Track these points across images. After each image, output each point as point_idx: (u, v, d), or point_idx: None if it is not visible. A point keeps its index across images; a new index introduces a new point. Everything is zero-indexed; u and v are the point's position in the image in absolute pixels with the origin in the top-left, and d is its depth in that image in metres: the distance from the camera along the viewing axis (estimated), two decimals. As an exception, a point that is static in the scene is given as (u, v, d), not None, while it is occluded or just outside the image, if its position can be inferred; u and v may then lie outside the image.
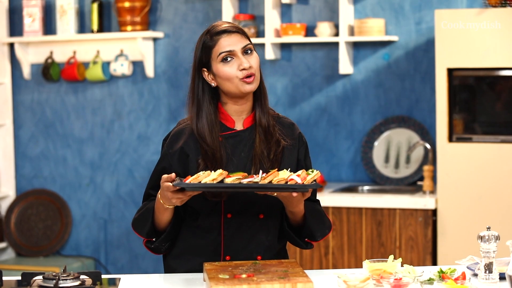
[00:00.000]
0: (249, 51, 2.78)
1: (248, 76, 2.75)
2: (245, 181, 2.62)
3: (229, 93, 2.79)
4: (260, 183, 2.62)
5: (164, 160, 2.83)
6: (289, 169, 2.73)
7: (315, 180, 2.76)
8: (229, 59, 2.76)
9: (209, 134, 2.78)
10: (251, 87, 2.77)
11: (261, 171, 2.67)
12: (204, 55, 2.81)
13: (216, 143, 2.78)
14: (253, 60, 2.78)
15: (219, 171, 2.63)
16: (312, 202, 2.88)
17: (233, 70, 2.75)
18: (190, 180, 2.61)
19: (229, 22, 2.82)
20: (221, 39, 2.77)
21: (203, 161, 2.76)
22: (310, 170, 2.69)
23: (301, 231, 2.85)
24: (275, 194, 2.67)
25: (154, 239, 2.84)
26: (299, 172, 2.65)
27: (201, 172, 2.64)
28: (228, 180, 2.62)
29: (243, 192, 2.77)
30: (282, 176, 2.64)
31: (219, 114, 2.83)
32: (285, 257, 2.93)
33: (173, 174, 2.63)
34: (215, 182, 2.60)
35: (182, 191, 2.62)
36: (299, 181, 2.61)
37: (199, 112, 2.80)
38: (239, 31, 2.79)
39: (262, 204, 2.81)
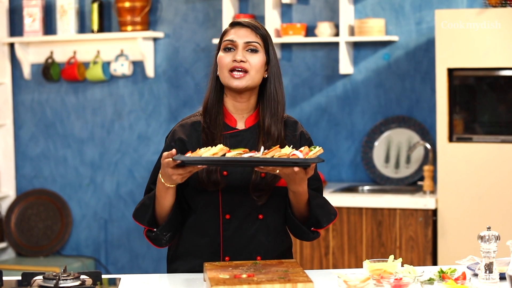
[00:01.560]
0: (254, 50, 2.78)
1: (237, 71, 2.75)
2: (246, 155, 2.60)
3: (223, 84, 2.80)
4: (261, 157, 2.59)
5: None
6: (291, 145, 2.72)
7: (319, 178, 2.76)
8: (231, 49, 2.78)
9: (214, 119, 2.79)
10: (237, 83, 2.76)
11: (262, 147, 2.66)
12: (220, 41, 2.84)
13: (218, 131, 2.78)
14: (253, 58, 2.77)
15: (220, 146, 2.61)
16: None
17: (227, 60, 2.77)
18: (190, 155, 2.60)
19: (253, 20, 2.84)
20: (232, 29, 2.81)
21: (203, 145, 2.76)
22: (313, 146, 2.68)
23: (306, 222, 2.83)
24: (277, 171, 2.62)
25: (155, 230, 2.82)
26: (302, 148, 2.63)
27: (202, 149, 2.63)
28: (229, 155, 2.60)
29: (241, 192, 2.76)
30: (284, 151, 2.61)
31: (223, 109, 2.83)
32: (289, 257, 2.92)
33: (174, 150, 2.60)
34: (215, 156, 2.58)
35: (183, 167, 2.60)
36: (301, 156, 2.58)
37: (211, 94, 2.82)
38: (252, 27, 2.79)
39: (262, 204, 2.80)
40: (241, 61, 2.75)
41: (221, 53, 2.79)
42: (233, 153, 2.59)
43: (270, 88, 2.81)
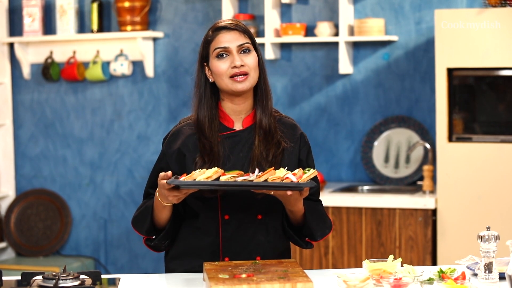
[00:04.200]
0: (246, 50, 2.79)
1: (239, 75, 2.76)
2: (240, 179, 2.62)
3: (223, 90, 2.81)
4: (255, 181, 2.61)
5: (162, 160, 2.84)
6: (286, 167, 2.73)
7: (316, 179, 2.76)
8: (224, 55, 2.78)
9: (209, 127, 2.80)
10: (242, 86, 2.77)
11: (257, 170, 2.68)
12: (204, 50, 2.83)
13: (215, 137, 2.79)
14: (249, 59, 2.78)
15: (215, 169, 2.63)
16: (314, 202, 2.88)
17: (224, 67, 2.77)
18: (184, 178, 2.61)
19: (233, 20, 2.83)
20: (219, 35, 2.79)
21: (200, 158, 2.77)
22: (307, 169, 2.69)
23: (301, 230, 2.85)
24: (272, 193, 2.66)
25: (153, 237, 2.84)
26: (296, 171, 2.65)
27: (197, 171, 2.65)
28: (223, 178, 2.62)
29: (240, 192, 2.77)
30: (278, 174, 2.63)
31: (219, 112, 2.84)
32: (288, 258, 2.93)
33: (170, 172, 2.63)
34: (209, 180, 2.60)
35: (178, 189, 2.62)
36: (294, 179, 2.60)
37: (200, 105, 2.83)
38: (239, 29, 2.79)
39: (260, 204, 2.80)
40: (241, 65, 2.76)
41: (215, 62, 2.79)
42: (227, 176, 2.62)
43: (261, 83, 2.83)
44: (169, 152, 2.83)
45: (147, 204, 2.83)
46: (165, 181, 2.61)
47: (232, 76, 2.76)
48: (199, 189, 2.64)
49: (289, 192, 2.61)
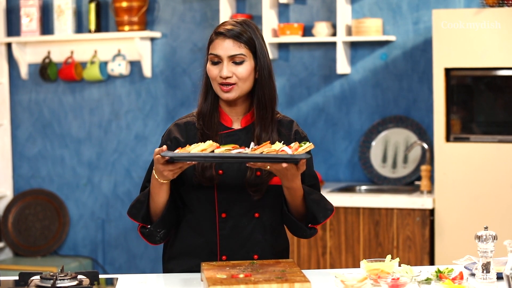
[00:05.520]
0: (239, 61, 2.78)
1: (225, 85, 2.76)
2: (234, 151, 2.61)
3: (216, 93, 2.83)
4: (250, 153, 2.59)
5: None
6: (282, 141, 2.72)
7: (316, 177, 2.75)
8: (216, 62, 2.79)
9: (209, 120, 2.82)
10: (227, 96, 2.78)
11: (252, 143, 2.68)
12: (207, 49, 2.84)
13: (214, 130, 2.80)
14: (239, 69, 2.77)
15: (209, 142, 2.63)
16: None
17: (215, 73, 2.79)
18: (179, 151, 2.61)
19: (234, 25, 2.80)
20: (216, 40, 2.79)
21: None
22: (303, 142, 2.68)
23: (302, 219, 2.84)
24: (268, 167, 2.62)
25: (149, 226, 2.83)
26: (292, 144, 2.64)
27: (192, 145, 2.65)
28: (218, 151, 2.60)
29: (237, 191, 2.77)
30: (274, 148, 2.61)
31: (219, 110, 2.85)
32: (286, 258, 2.92)
33: (164, 147, 2.63)
34: (204, 152, 2.59)
35: (172, 163, 2.62)
36: (290, 152, 2.58)
37: (204, 98, 2.85)
38: (235, 38, 2.77)
39: (257, 203, 2.81)
40: (227, 76, 2.76)
41: (209, 66, 2.80)
42: (222, 149, 2.60)
43: (259, 92, 2.82)
44: (168, 142, 2.84)
45: (144, 192, 2.83)
46: (159, 155, 2.61)
47: (220, 84, 2.78)
48: (194, 161, 2.62)
49: (284, 164, 2.58)
